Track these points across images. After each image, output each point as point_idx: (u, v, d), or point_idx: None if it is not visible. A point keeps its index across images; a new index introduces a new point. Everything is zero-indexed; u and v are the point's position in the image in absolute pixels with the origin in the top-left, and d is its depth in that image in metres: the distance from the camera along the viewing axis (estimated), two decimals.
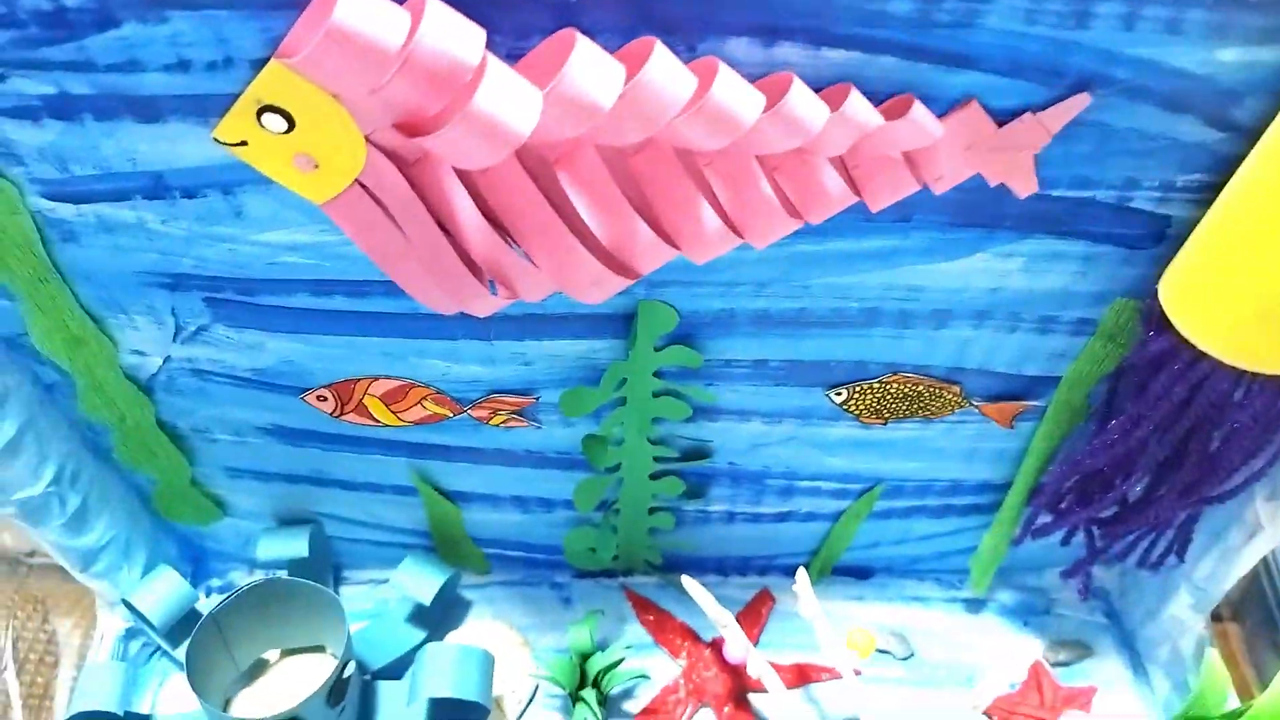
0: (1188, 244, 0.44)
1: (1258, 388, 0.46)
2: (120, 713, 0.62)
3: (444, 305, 0.46)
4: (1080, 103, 0.40)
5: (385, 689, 0.67)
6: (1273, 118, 0.38)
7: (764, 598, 0.77)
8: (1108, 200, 0.45)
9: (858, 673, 0.65)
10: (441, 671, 0.62)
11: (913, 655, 0.75)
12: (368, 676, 0.68)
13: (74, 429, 0.61)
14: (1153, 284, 0.49)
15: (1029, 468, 0.64)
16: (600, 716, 0.67)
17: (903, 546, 0.74)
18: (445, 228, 0.43)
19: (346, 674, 0.60)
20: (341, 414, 0.60)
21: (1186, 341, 0.45)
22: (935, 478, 0.66)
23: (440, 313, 0.48)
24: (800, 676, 0.72)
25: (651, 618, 0.75)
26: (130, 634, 0.70)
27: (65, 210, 0.46)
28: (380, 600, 0.76)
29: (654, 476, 0.65)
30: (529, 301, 0.45)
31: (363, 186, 0.42)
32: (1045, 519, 0.64)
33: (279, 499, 0.69)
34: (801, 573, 0.62)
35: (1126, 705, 0.72)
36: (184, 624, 0.69)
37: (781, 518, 0.71)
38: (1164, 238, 0.47)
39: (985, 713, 0.70)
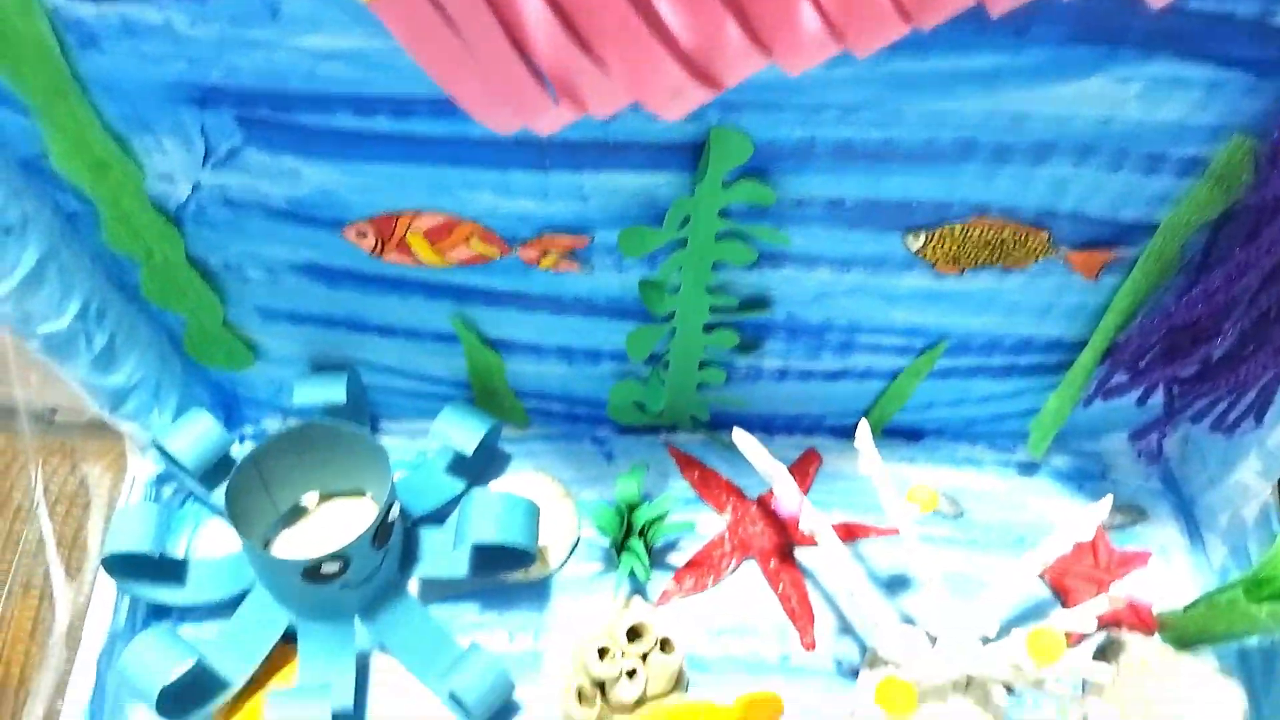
0: None
1: None
2: (155, 554, 0.61)
3: (502, 122, 0.42)
4: None
5: (427, 535, 0.66)
6: None
7: (811, 457, 0.75)
8: (1248, 16, 0.40)
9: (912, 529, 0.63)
10: (487, 517, 0.60)
11: (963, 515, 0.73)
12: (409, 524, 0.66)
13: (98, 263, 0.58)
14: (1276, 120, 0.45)
15: (1108, 324, 0.60)
16: (648, 567, 0.66)
17: (959, 408, 0.72)
18: (508, 29, 0.38)
19: (391, 517, 0.59)
20: (382, 252, 0.56)
21: None
22: (1005, 334, 0.63)
23: (495, 133, 0.44)
24: (847, 535, 0.71)
25: (696, 474, 0.73)
26: (162, 479, 0.69)
27: (84, 9, 0.41)
28: (419, 451, 0.74)
29: (708, 328, 0.62)
30: (598, 116, 0.40)
31: None
32: (1121, 378, 0.61)
33: (314, 344, 0.66)
34: (863, 425, 0.60)
35: (1180, 570, 0.71)
36: (218, 469, 0.67)
37: (835, 375, 0.68)
38: None
39: (1039, 575, 0.68)
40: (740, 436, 0.64)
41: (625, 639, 0.61)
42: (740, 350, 0.64)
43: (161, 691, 0.56)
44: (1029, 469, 0.75)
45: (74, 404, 0.63)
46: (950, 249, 0.54)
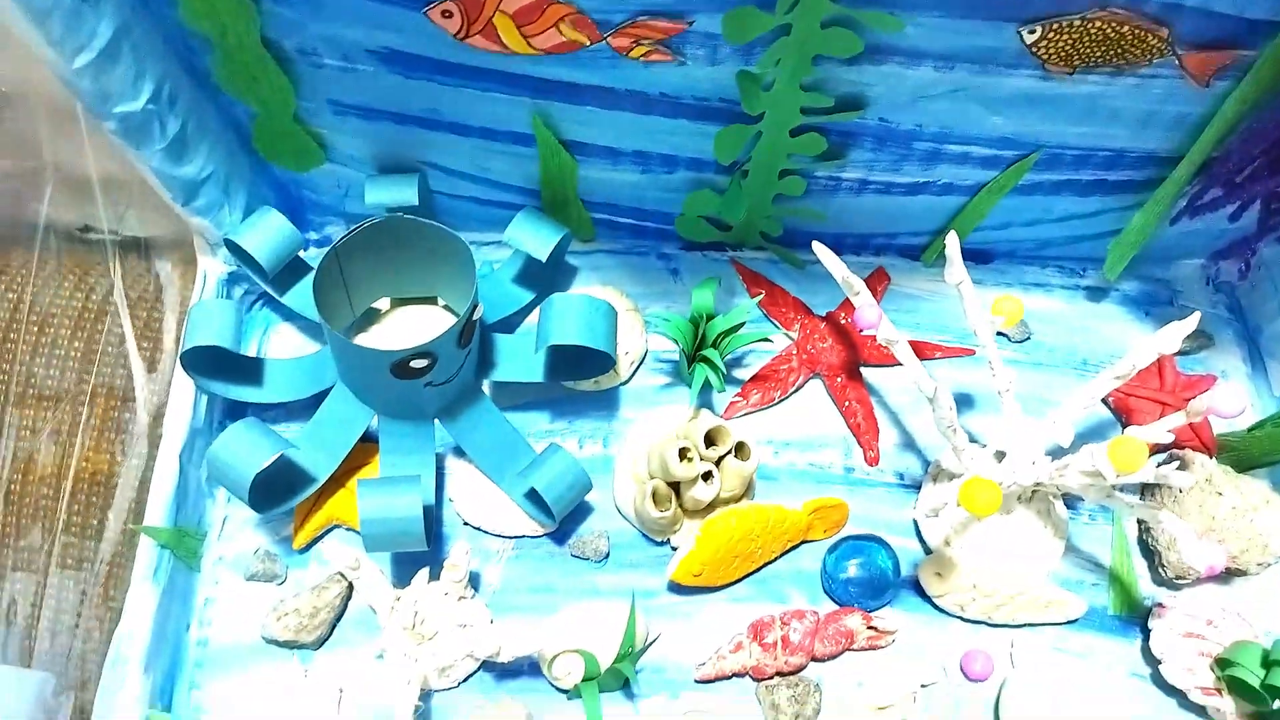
0: None
1: None
2: (234, 349, 0.61)
3: None
4: None
5: (502, 340, 0.66)
6: None
7: (880, 276, 0.74)
8: None
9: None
10: (570, 319, 0.60)
11: (1029, 338, 0.73)
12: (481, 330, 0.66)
13: (170, 45, 0.55)
14: None
15: (1208, 138, 0.58)
16: (722, 378, 0.66)
17: (1035, 228, 0.71)
18: None
19: (476, 315, 0.58)
20: (466, 35, 0.53)
21: None
22: (1100, 146, 0.61)
23: None
24: (916, 354, 0.71)
25: (763, 291, 0.73)
26: (232, 279, 0.68)
27: None
28: (484, 262, 0.73)
29: (796, 132, 0.60)
30: None
31: None
32: (1216, 192, 0.60)
33: (384, 143, 0.64)
34: (952, 236, 0.59)
35: (1240, 395, 0.71)
36: (289, 271, 0.67)
37: (915, 189, 0.66)
38: None
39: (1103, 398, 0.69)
40: (819, 248, 0.63)
41: (703, 443, 0.62)
42: (825, 158, 0.62)
43: (252, 482, 0.57)
44: (1097, 294, 0.74)
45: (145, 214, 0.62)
46: (1065, 44, 0.52)
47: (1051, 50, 0.52)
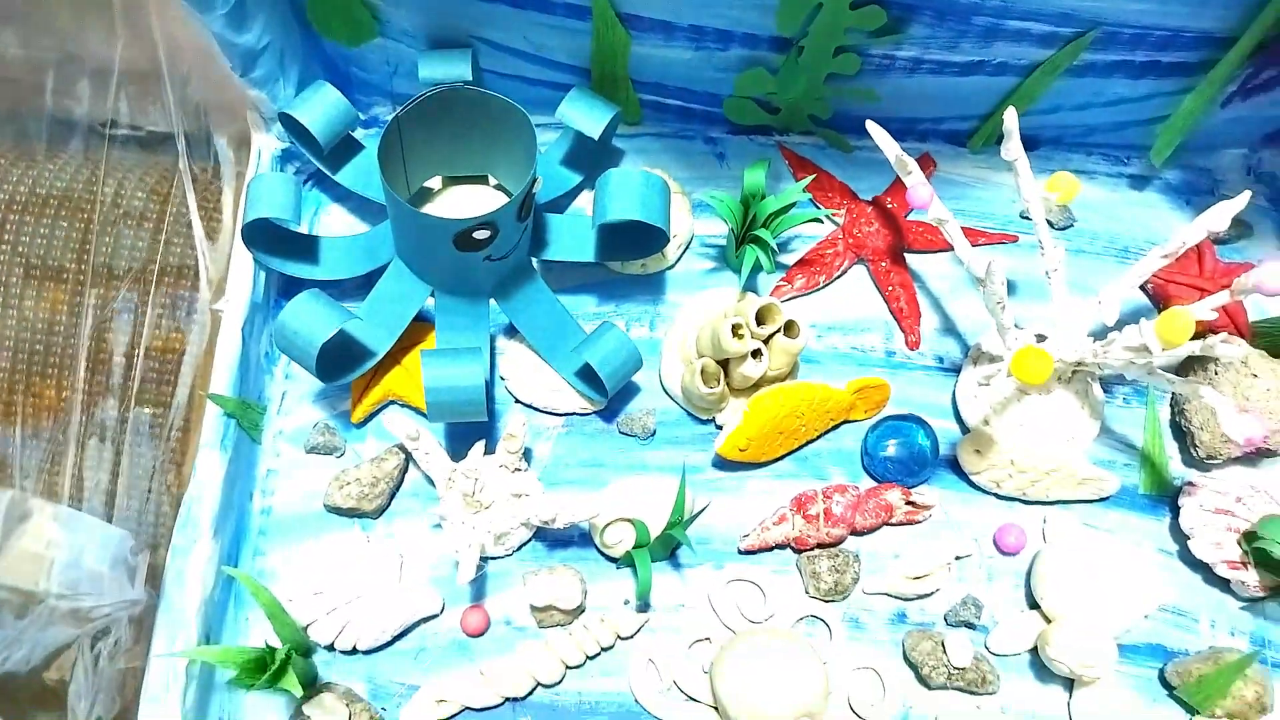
0: None
1: None
2: (293, 221, 0.62)
3: None
4: None
5: (553, 219, 0.67)
6: None
7: (926, 161, 0.75)
8: None
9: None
10: (627, 194, 0.61)
11: (1073, 225, 0.74)
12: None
13: None
14: None
15: (1267, 17, 0.58)
16: (772, 258, 0.67)
17: (1084, 113, 0.71)
18: None
19: (536, 188, 0.59)
20: None
21: None
22: (1157, 25, 0.61)
23: None
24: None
25: (811, 175, 0.73)
26: (285, 156, 0.69)
27: None
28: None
29: (856, 5, 0.60)
30: None
31: None
32: (1271, 73, 0.60)
33: (438, 14, 0.64)
34: (1010, 111, 0.59)
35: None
36: (341, 148, 0.67)
37: (969, 69, 0.66)
38: None
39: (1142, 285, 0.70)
40: (873, 127, 0.64)
41: (755, 321, 0.63)
42: (883, 32, 0.62)
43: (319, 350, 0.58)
44: (1140, 182, 0.75)
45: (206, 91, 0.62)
46: None
47: None
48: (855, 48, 0.64)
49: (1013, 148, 0.59)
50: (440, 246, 0.58)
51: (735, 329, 0.61)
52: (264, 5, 0.60)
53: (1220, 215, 0.58)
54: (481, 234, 0.57)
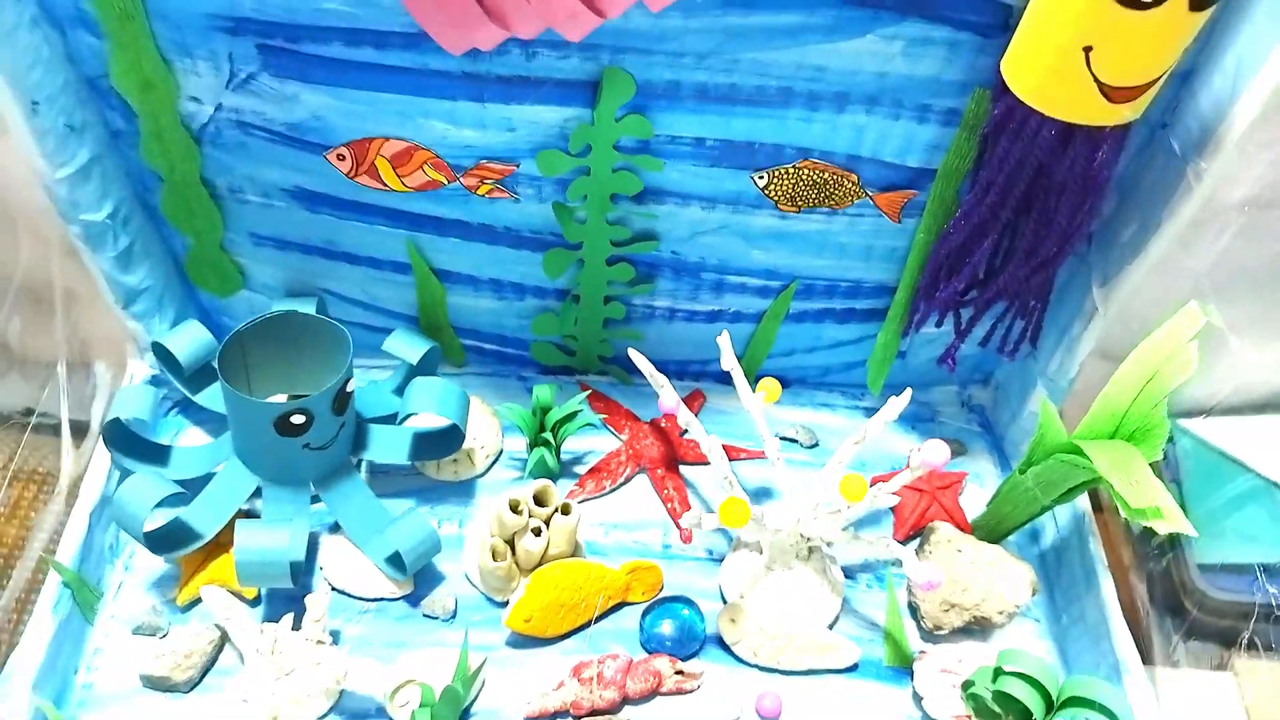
0: (1020, 24, 0.59)
1: (1080, 137, 0.61)
2: (150, 422, 0.74)
3: (455, 42, 0.60)
4: None
5: (376, 429, 0.80)
6: None
7: (696, 395, 0.91)
8: None
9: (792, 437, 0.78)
10: (428, 395, 0.75)
11: (817, 445, 0.89)
12: (360, 421, 0.80)
13: (129, 179, 0.73)
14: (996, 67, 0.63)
15: (913, 264, 0.78)
16: (557, 459, 0.80)
17: (813, 355, 0.89)
18: None
19: (349, 387, 0.73)
20: (356, 174, 0.72)
21: (1021, 104, 0.60)
22: (840, 277, 0.81)
23: (449, 68, 0.62)
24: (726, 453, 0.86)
25: (602, 404, 0.88)
26: (154, 382, 0.82)
27: None
28: (369, 380, 0.88)
29: (610, 262, 0.79)
30: (522, 36, 0.59)
31: None
32: (922, 308, 0.78)
33: (292, 270, 0.81)
34: (723, 335, 0.76)
35: (942, 448, 0.85)
36: (205, 373, 0.81)
37: (714, 317, 0.85)
38: (1008, 27, 0.61)
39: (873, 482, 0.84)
40: (634, 353, 0.80)
41: (533, 503, 0.75)
42: (636, 283, 0.80)
43: (146, 534, 0.69)
44: (873, 413, 0.91)
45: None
46: (787, 188, 0.72)
47: (779, 193, 0.73)
48: (619, 297, 0.82)
49: (726, 359, 0.75)
50: (264, 432, 0.71)
51: (513, 505, 0.73)
52: (149, 255, 0.77)
53: (878, 422, 0.74)
54: (298, 419, 0.70)
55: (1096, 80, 0.56)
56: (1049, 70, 0.57)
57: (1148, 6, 0.52)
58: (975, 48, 0.63)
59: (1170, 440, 0.74)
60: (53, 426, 0.76)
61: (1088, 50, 0.55)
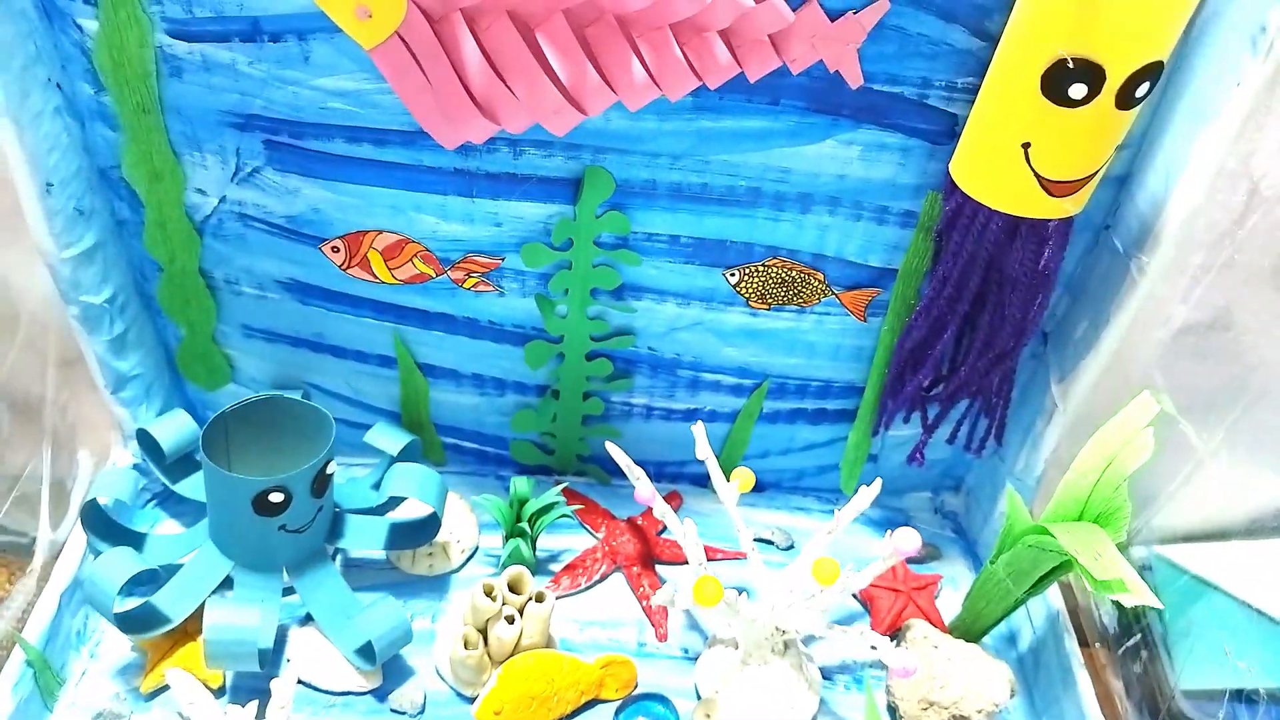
0: (966, 124, 0.64)
1: (1026, 231, 0.65)
2: (130, 504, 0.75)
3: (450, 136, 0.65)
4: (882, 8, 0.60)
5: (353, 519, 0.81)
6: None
7: (673, 496, 0.92)
8: (912, 96, 0.65)
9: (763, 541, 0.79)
10: (405, 480, 0.76)
11: (792, 547, 0.90)
12: (338, 511, 0.81)
13: (130, 268, 0.77)
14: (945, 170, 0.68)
15: (879, 362, 0.81)
16: (531, 551, 0.80)
17: (788, 458, 0.91)
18: (456, 69, 0.62)
19: (329, 470, 0.74)
20: (349, 266, 0.76)
21: (971, 199, 0.65)
22: (811, 376, 0.84)
23: (441, 164, 0.67)
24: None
25: (580, 505, 0.89)
26: (137, 469, 0.83)
27: (180, 47, 0.64)
28: (349, 478, 0.89)
29: (589, 357, 0.82)
30: (511, 130, 0.64)
31: (401, 38, 0.61)
32: (889, 405, 0.81)
33: (280, 363, 0.84)
34: (698, 425, 0.78)
35: (913, 536, 0.84)
36: (186, 463, 0.82)
37: (689, 415, 0.87)
38: (954, 134, 0.67)
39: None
40: (611, 446, 0.82)
41: (508, 590, 0.75)
42: (615, 379, 0.83)
43: (116, 615, 0.68)
44: None
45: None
46: (757, 285, 0.76)
47: (749, 290, 0.77)
48: (598, 392, 0.85)
49: (701, 448, 0.77)
50: (242, 511, 0.71)
51: (488, 590, 0.73)
52: (142, 343, 0.80)
53: (843, 518, 0.75)
54: (277, 497, 0.71)
55: (1037, 175, 0.61)
56: (993, 167, 0.62)
57: (1078, 104, 0.57)
58: (926, 154, 0.68)
59: (1148, 568, 0.76)
60: (31, 505, 0.76)
61: (1026, 146, 0.60)
